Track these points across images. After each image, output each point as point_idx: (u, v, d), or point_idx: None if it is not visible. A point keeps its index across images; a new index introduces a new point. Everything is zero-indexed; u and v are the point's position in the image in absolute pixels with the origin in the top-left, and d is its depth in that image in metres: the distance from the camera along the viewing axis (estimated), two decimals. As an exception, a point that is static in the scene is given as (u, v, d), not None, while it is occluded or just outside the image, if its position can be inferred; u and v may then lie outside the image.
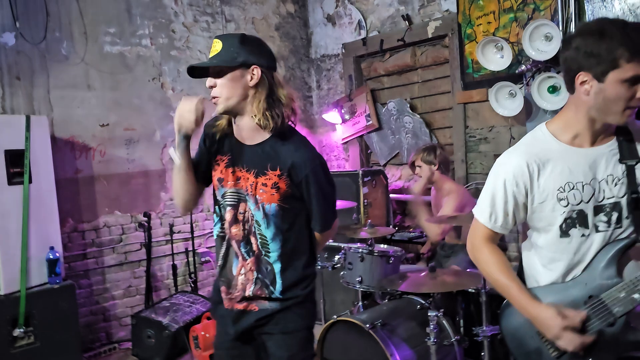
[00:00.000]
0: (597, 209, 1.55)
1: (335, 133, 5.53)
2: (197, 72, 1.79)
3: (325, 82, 5.63)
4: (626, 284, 1.48)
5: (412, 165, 3.72)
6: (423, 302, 3.05)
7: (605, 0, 3.37)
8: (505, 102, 3.85)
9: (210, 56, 1.75)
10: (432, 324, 2.59)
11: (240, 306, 1.80)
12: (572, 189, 1.55)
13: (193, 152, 1.87)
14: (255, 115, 1.72)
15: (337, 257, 3.54)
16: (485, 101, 4.04)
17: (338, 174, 4.50)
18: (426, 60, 4.70)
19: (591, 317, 1.51)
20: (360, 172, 4.21)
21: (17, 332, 3.23)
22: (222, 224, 1.83)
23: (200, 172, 1.87)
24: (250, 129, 1.77)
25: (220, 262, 1.85)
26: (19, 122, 3.36)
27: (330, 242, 3.65)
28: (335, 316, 2.95)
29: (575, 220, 1.56)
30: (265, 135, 1.77)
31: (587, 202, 1.55)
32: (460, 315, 3.03)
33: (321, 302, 3.67)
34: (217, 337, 1.94)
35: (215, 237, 1.88)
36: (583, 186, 1.54)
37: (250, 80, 1.72)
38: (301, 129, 5.73)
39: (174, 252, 4.44)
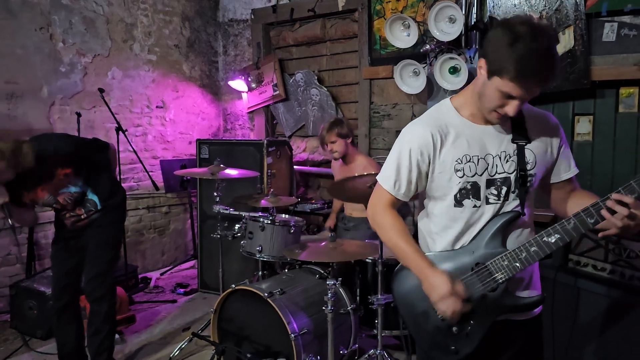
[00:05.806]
0: (489, 182, 1.64)
1: (241, 101, 5.40)
2: None
3: (233, 48, 5.45)
4: (509, 253, 1.60)
5: (323, 143, 3.65)
6: (322, 271, 3.10)
7: (505, -12, 3.53)
8: (409, 80, 3.96)
9: None
10: (329, 292, 2.62)
11: (76, 220, 2.99)
12: (469, 161, 1.63)
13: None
14: None
15: (237, 226, 3.49)
16: (390, 78, 4.12)
17: (242, 142, 4.40)
18: (335, 33, 4.70)
19: (476, 283, 1.62)
20: (265, 142, 4.14)
21: None
22: (53, 206, 2.96)
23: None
24: None
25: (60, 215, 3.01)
26: None
27: (231, 211, 3.58)
28: (233, 285, 2.90)
29: (470, 191, 1.64)
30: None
31: (481, 175, 1.63)
32: (357, 285, 3.11)
33: (220, 271, 3.60)
34: (59, 246, 3.04)
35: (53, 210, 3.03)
36: (478, 160, 1.63)
37: None
38: (205, 95, 5.53)
39: (61, 218, 4.11)
